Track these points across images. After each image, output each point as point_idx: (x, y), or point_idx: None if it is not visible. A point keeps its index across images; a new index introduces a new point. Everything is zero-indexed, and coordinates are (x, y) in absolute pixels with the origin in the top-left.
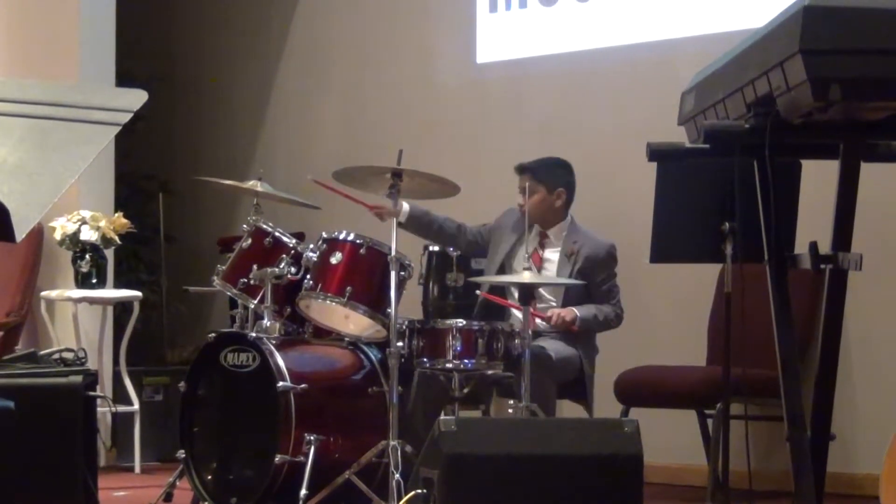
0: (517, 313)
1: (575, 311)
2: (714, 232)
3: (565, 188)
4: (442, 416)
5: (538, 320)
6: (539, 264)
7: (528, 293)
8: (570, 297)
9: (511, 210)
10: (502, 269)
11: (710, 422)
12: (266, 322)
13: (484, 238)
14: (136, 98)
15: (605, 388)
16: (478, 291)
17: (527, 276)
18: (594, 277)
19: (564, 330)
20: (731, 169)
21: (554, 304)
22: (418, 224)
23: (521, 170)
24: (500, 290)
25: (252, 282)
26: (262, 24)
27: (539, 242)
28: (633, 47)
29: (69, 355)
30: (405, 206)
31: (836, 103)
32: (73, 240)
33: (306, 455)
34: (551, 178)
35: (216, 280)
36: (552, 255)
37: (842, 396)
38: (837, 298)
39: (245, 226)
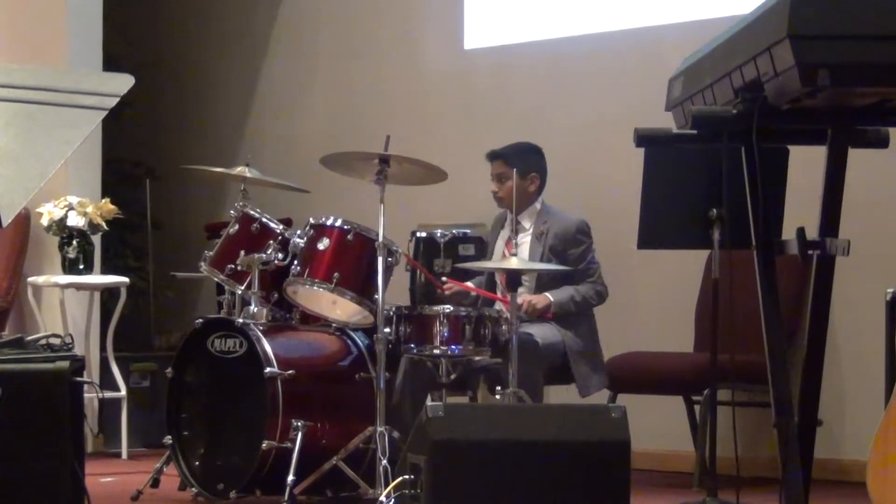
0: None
1: (548, 297)
2: (701, 218)
3: (538, 173)
4: (429, 402)
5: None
6: (511, 250)
7: (515, 280)
8: (543, 280)
9: (497, 215)
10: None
11: (697, 408)
12: (253, 308)
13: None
14: (123, 83)
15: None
16: (444, 279)
17: (514, 263)
18: (567, 255)
19: (537, 317)
20: (718, 155)
21: (527, 285)
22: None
23: (494, 156)
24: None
25: (239, 268)
26: (249, 11)
27: (512, 230)
28: (621, 34)
29: (56, 341)
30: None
31: (824, 89)
32: (60, 225)
33: (293, 441)
34: (523, 163)
35: (203, 266)
36: (524, 238)
37: (829, 383)
38: (825, 284)
39: (232, 212)
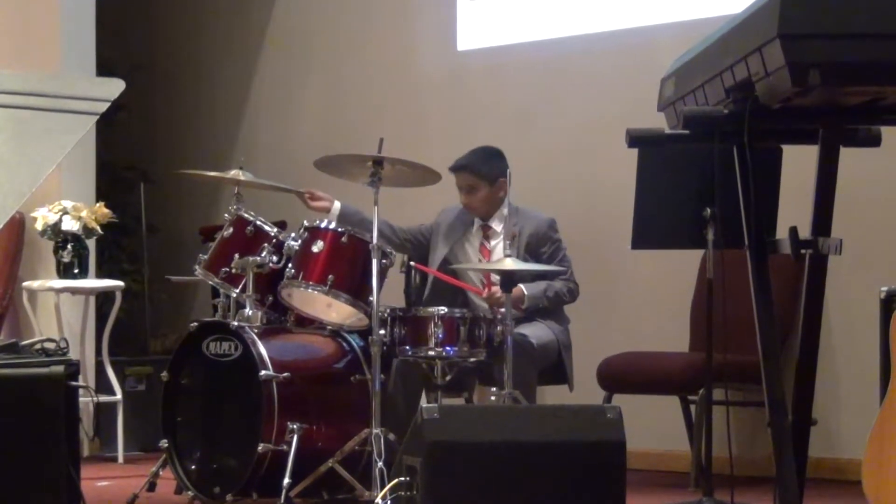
0: (474, 297)
1: (522, 289)
2: (695, 218)
3: (504, 177)
4: (425, 404)
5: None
6: (487, 257)
7: (509, 281)
8: (525, 282)
9: (448, 209)
10: (443, 267)
11: (692, 408)
12: (248, 311)
13: (423, 237)
14: (114, 87)
15: (587, 375)
16: (413, 263)
17: (509, 264)
18: (540, 253)
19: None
20: (711, 155)
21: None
22: (349, 223)
23: (458, 168)
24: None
25: (234, 271)
26: (243, 14)
27: (483, 235)
28: (614, 34)
29: (51, 345)
30: (336, 204)
31: (815, 88)
32: (54, 230)
33: (289, 444)
34: (490, 170)
35: (198, 269)
36: (495, 243)
37: (824, 382)
38: (817, 283)
39: (227, 215)
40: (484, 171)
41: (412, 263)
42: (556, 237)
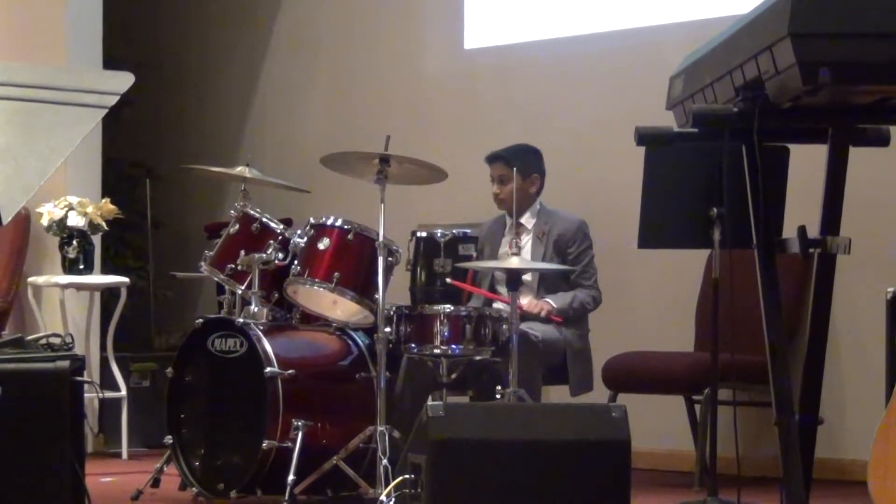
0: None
1: (551, 304)
2: (702, 217)
3: (539, 174)
4: (430, 402)
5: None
6: (512, 250)
7: (516, 279)
8: (547, 280)
9: (485, 225)
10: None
11: (697, 407)
12: (253, 308)
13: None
14: (124, 80)
15: (593, 374)
16: (448, 280)
17: (515, 262)
18: (567, 253)
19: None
20: (719, 153)
21: (530, 285)
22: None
23: (494, 158)
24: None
25: (239, 267)
26: (250, 10)
27: (514, 232)
28: (622, 33)
29: (56, 341)
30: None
31: (825, 87)
32: (60, 225)
33: (294, 441)
34: (524, 164)
35: (203, 266)
36: (525, 240)
37: (830, 382)
38: (826, 282)
39: (232, 211)
40: (517, 163)
41: (448, 280)
42: (586, 240)
